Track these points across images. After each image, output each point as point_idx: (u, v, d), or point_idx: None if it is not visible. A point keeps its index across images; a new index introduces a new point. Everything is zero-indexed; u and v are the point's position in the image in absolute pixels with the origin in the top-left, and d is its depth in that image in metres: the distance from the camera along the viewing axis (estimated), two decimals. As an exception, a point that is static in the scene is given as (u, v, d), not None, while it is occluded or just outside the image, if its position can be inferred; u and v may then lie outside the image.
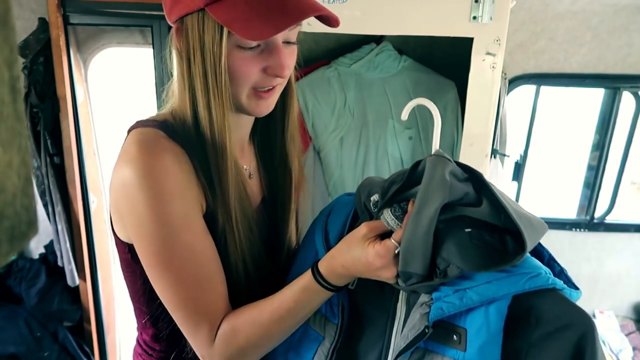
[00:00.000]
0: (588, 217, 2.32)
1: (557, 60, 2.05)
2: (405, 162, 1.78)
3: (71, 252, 1.99)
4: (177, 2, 0.68)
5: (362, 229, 0.67)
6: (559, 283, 0.62)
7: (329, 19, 0.71)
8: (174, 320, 0.71)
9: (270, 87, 0.74)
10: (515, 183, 2.23)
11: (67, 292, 2.07)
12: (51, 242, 2.07)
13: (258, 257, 0.80)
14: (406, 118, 0.74)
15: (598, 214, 2.32)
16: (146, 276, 0.70)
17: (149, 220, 0.65)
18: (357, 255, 0.65)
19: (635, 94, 2.16)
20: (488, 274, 0.61)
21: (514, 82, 2.07)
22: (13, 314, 2.01)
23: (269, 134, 0.88)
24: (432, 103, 0.73)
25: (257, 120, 0.86)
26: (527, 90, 2.14)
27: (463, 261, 0.59)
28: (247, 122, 0.84)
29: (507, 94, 2.03)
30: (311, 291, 0.69)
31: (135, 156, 0.65)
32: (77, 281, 2.01)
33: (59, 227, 1.95)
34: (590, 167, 2.34)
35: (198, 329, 0.67)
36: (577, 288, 0.66)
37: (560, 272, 0.72)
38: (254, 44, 0.69)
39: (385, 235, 0.66)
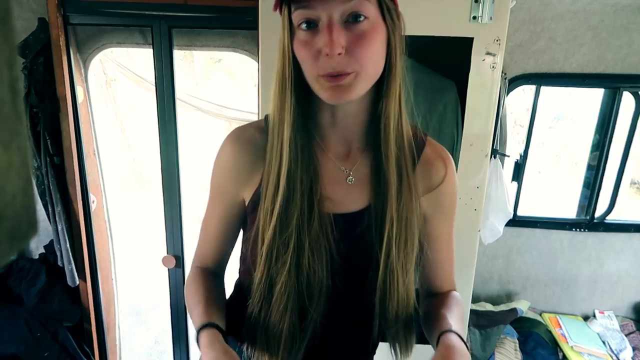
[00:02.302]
0: (588, 217, 2.32)
1: (557, 60, 2.05)
2: (405, 162, 1.77)
3: (71, 252, 1.99)
4: None
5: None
6: None
7: None
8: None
9: (338, 73, 0.66)
10: (515, 183, 2.23)
11: (67, 292, 2.07)
12: (51, 242, 2.07)
13: (310, 264, 0.75)
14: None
15: (598, 214, 2.32)
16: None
17: (210, 182, 0.87)
18: None
19: (635, 94, 2.15)
20: None
21: (514, 82, 2.07)
22: (13, 314, 2.01)
23: (375, 141, 0.78)
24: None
25: (373, 123, 0.77)
26: (527, 91, 2.14)
27: None
28: (351, 122, 0.77)
29: (507, 94, 2.03)
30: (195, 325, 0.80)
31: (228, 135, 0.84)
32: (77, 281, 2.01)
33: (59, 227, 1.95)
34: (590, 167, 2.34)
35: (196, 252, 0.93)
36: None
37: None
38: (307, 23, 0.67)
39: None
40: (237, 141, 0.81)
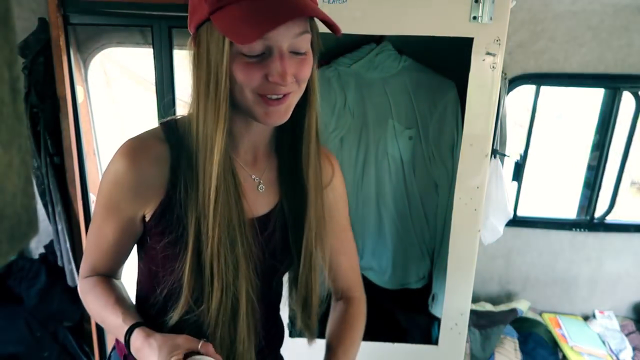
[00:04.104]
0: (588, 217, 2.32)
1: (557, 60, 2.05)
2: (405, 162, 1.77)
3: (71, 252, 1.99)
4: (193, 13, 0.74)
5: (180, 338, 0.75)
6: None
7: (329, 24, 0.72)
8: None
9: (280, 96, 0.73)
10: (515, 183, 2.23)
11: (67, 292, 2.07)
12: (51, 242, 2.07)
13: (235, 269, 0.80)
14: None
15: (598, 214, 2.32)
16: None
17: (99, 192, 0.84)
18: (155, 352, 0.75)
19: (635, 94, 2.15)
20: None
21: (514, 82, 2.07)
22: (13, 314, 2.01)
23: (290, 146, 0.86)
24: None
25: (283, 131, 0.85)
26: (527, 90, 2.14)
27: None
28: (262, 131, 0.84)
29: (507, 94, 2.03)
30: (118, 330, 0.82)
31: (122, 146, 0.80)
32: (77, 281, 2.01)
33: (59, 227, 1.95)
34: (590, 167, 2.34)
35: (85, 262, 0.90)
36: None
37: None
38: (256, 51, 0.71)
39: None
40: (136, 156, 0.78)
